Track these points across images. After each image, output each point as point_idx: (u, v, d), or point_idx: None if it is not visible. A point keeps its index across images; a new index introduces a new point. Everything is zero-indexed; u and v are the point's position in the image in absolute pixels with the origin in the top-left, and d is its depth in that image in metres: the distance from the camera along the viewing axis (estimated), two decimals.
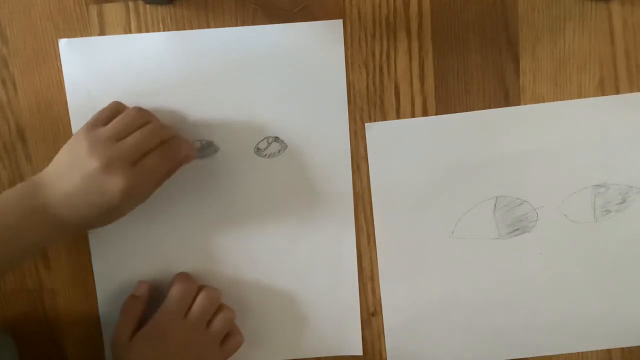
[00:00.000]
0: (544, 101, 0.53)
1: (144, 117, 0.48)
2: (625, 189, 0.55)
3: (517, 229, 0.55)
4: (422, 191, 0.54)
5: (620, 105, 0.53)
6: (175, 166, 0.50)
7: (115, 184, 0.44)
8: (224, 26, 0.52)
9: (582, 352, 0.57)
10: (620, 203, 0.55)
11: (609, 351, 0.57)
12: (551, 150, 0.54)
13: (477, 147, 0.54)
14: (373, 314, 0.57)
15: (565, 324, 0.56)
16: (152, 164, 0.46)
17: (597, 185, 0.54)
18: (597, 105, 0.53)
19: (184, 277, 0.54)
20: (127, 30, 0.52)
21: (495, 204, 0.55)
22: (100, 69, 0.51)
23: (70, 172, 0.45)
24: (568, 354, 0.58)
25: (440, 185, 0.54)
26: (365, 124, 0.53)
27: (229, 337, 0.54)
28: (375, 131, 0.53)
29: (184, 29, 0.52)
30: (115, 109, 0.49)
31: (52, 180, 0.45)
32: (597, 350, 0.57)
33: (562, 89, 0.53)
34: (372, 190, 0.54)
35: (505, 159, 0.54)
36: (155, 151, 0.47)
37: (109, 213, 0.46)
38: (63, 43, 0.51)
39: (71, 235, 0.51)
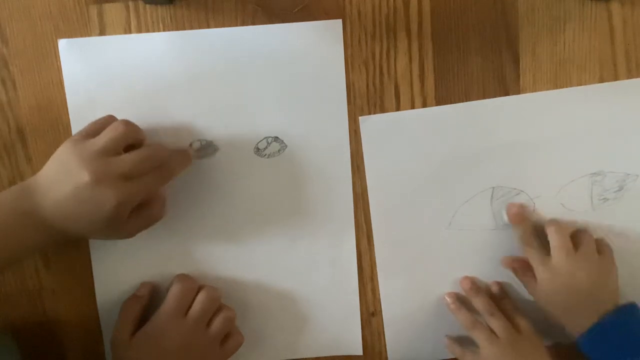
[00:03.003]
0: None
1: (133, 132, 0.47)
2: (622, 177, 0.54)
3: None
4: (418, 184, 0.54)
5: (614, 93, 0.53)
6: (170, 178, 0.50)
7: (107, 197, 0.44)
8: (224, 26, 0.52)
9: None
10: (618, 191, 0.55)
11: None
12: (547, 140, 0.54)
13: (472, 138, 0.54)
14: (373, 314, 0.57)
15: None
16: (147, 182, 0.46)
17: (593, 174, 0.54)
18: (591, 94, 0.53)
19: (183, 276, 0.54)
20: (127, 30, 0.52)
21: (492, 195, 0.55)
22: (100, 69, 0.51)
23: (60, 181, 0.45)
24: (569, 343, 0.58)
25: (436, 178, 0.54)
26: (360, 118, 0.53)
27: (230, 337, 0.54)
28: (369, 125, 0.53)
29: (184, 29, 0.52)
30: (107, 123, 0.48)
31: (43, 187, 0.46)
32: None
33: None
34: (368, 185, 0.54)
35: (500, 149, 0.54)
36: (151, 172, 0.47)
37: (105, 226, 0.46)
38: (63, 43, 0.51)
39: (67, 242, 0.51)
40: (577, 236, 0.53)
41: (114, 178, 0.44)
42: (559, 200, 0.55)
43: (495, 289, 0.56)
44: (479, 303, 0.55)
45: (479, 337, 0.54)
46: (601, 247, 0.53)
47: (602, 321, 0.50)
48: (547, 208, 0.55)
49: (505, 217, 0.54)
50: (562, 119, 0.53)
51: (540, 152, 0.54)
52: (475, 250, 0.56)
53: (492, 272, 0.56)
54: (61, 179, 0.45)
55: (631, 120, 0.54)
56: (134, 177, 0.45)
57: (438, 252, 0.56)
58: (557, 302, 0.52)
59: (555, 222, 0.53)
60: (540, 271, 0.52)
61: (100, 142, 0.45)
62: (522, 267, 0.54)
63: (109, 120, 0.48)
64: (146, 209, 0.48)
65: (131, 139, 0.47)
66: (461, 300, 0.56)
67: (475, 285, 0.56)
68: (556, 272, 0.51)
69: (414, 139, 0.54)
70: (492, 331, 0.53)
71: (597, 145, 0.54)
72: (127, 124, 0.47)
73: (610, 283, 0.52)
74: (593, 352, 0.51)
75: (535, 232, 0.53)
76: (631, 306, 0.51)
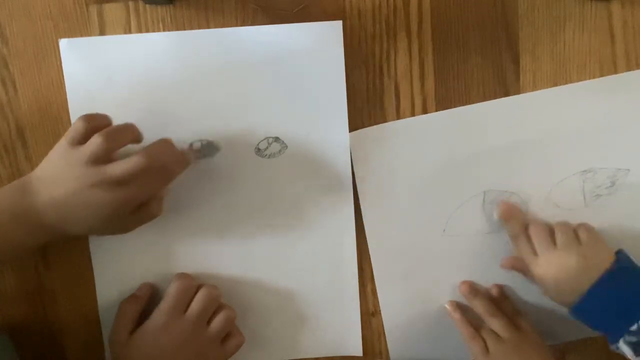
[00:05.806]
0: None
1: (116, 144, 0.46)
2: (614, 172, 0.54)
3: None
4: (410, 193, 0.54)
5: (601, 90, 0.53)
6: (169, 182, 0.49)
7: (103, 202, 0.44)
8: (224, 26, 0.52)
9: (583, 339, 0.58)
10: (610, 186, 0.55)
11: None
12: (536, 140, 0.54)
13: (462, 144, 0.54)
14: (373, 314, 0.57)
15: (562, 313, 0.56)
16: (144, 185, 0.46)
17: (584, 171, 0.54)
18: (577, 91, 0.53)
19: (183, 275, 0.54)
20: (127, 30, 0.52)
21: (483, 199, 0.55)
22: (101, 69, 0.51)
23: (55, 184, 0.45)
24: (567, 342, 0.58)
25: (428, 186, 0.54)
26: (349, 134, 0.53)
27: (230, 337, 0.54)
28: (358, 138, 0.53)
29: (184, 29, 0.52)
30: (89, 128, 0.46)
31: (40, 186, 0.46)
32: (597, 337, 0.57)
33: None
34: (360, 197, 0.54)
35: (490, 153, 0.54)
36: (147, 176, 0.45)
37: (102, 227, 0.46)
38: (64, 43, 0.51)
39: (67, 239, 0.51)
40: (555, 231, 0.53)
41: (107, 184, 0.44)
42: (552, 200, 0.55)
43: (494, 291, 0.56)
44: (478, 305, 0.55)
45: (483, 341, 0.54)
46: (580, 233, 0.52)
47: (590, 289, 0.49)
48: (540, 208, 0.55)
49: (496, 215, 0.54)
50: (550, 118, 0.53)
51: (530, 153, 0.54)
52: (472, 255, 0.56)
53: (489, 275, 0.56)
54: (55, 182, 0.45)
55: (618, 115, 0.53)
56: (128, 183, 0.45)
57: (434, 259, 0.56)
58: (554, 291, 0.52)
59: (533, 224, 0.53)
60: (532, 266, 0.52)
61: (86, 154, 0.44)
62: (521, 265, 0.54)
63: (85, 122, 0.46)
64: (144, 208, 0.48)
65: (115, 148, 0.46)
66: (462, 309, 0.56)
67: (474, 289, 0.56)
68: (544, 266, 0.52)
69: (403, 149, 0.53)
70: (495, 333, 0.54)
71: (586, 142, 0.54)
72: (107, 136, 0.45)
73: (599, 260, 0.51)
74: (585, 318, 0.51)
75: (525, 228, 0.54)
76: (618, 270, 0.50)
